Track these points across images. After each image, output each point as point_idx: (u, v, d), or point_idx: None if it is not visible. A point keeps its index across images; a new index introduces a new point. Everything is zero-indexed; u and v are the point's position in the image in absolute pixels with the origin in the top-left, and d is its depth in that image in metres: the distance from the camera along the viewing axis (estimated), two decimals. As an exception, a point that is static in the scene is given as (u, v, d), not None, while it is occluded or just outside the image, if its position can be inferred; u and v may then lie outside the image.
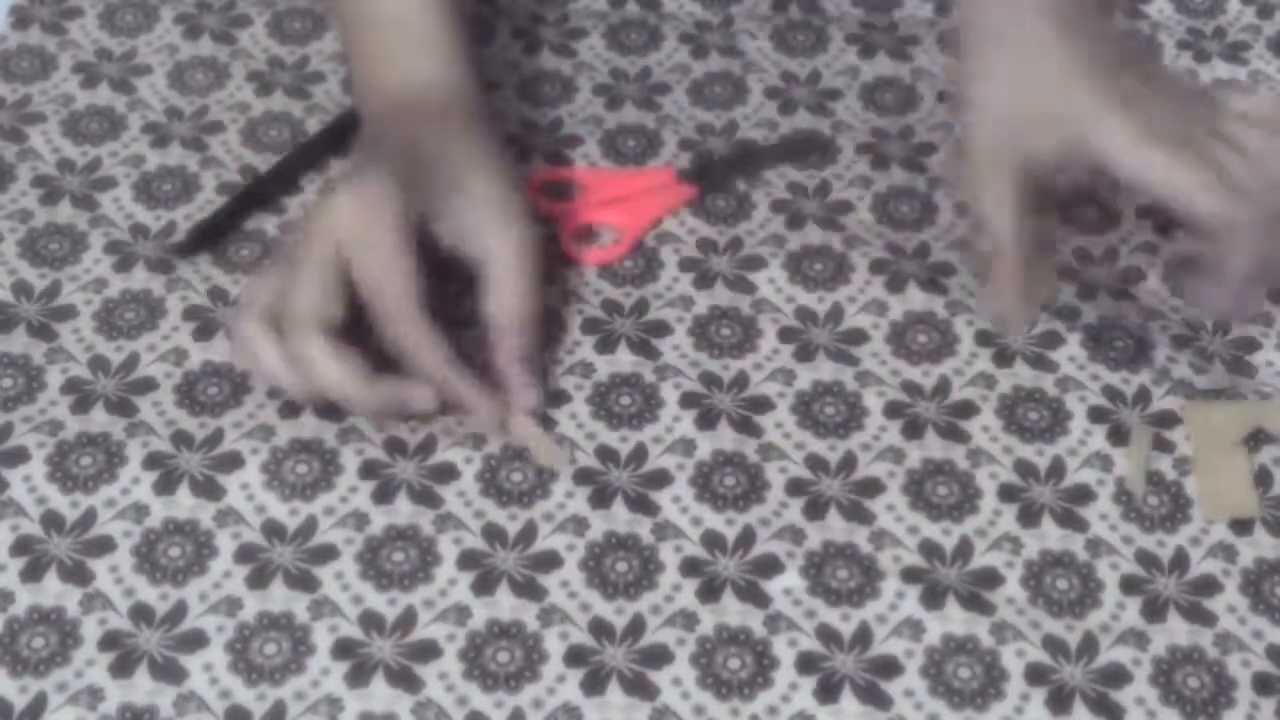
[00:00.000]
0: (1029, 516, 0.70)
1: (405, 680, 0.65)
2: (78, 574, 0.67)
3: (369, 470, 0.71)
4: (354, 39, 0.81)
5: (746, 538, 0.69)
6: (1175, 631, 0.67)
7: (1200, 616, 0.67)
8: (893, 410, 0.73)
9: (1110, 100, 0.70)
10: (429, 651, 0.65)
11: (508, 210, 0.73)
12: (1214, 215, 0.68)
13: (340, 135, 0.82)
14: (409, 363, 0.70)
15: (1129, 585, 0.68)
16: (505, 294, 0.72)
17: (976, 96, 0.74)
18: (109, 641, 0.66)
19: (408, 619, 0.66)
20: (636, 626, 0.66)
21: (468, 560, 0.68)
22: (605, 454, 0.71)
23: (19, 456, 0.71)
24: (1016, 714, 0.64)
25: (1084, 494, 0.71)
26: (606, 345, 0.75)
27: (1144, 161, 0.69)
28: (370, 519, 0.69)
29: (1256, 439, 0.72)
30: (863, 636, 0.66)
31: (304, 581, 0.67)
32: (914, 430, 0.73)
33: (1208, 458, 0.71)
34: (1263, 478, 0.71)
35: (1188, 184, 0.69)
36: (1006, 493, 0.71)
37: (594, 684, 0.65)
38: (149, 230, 0.80)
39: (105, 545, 0.68)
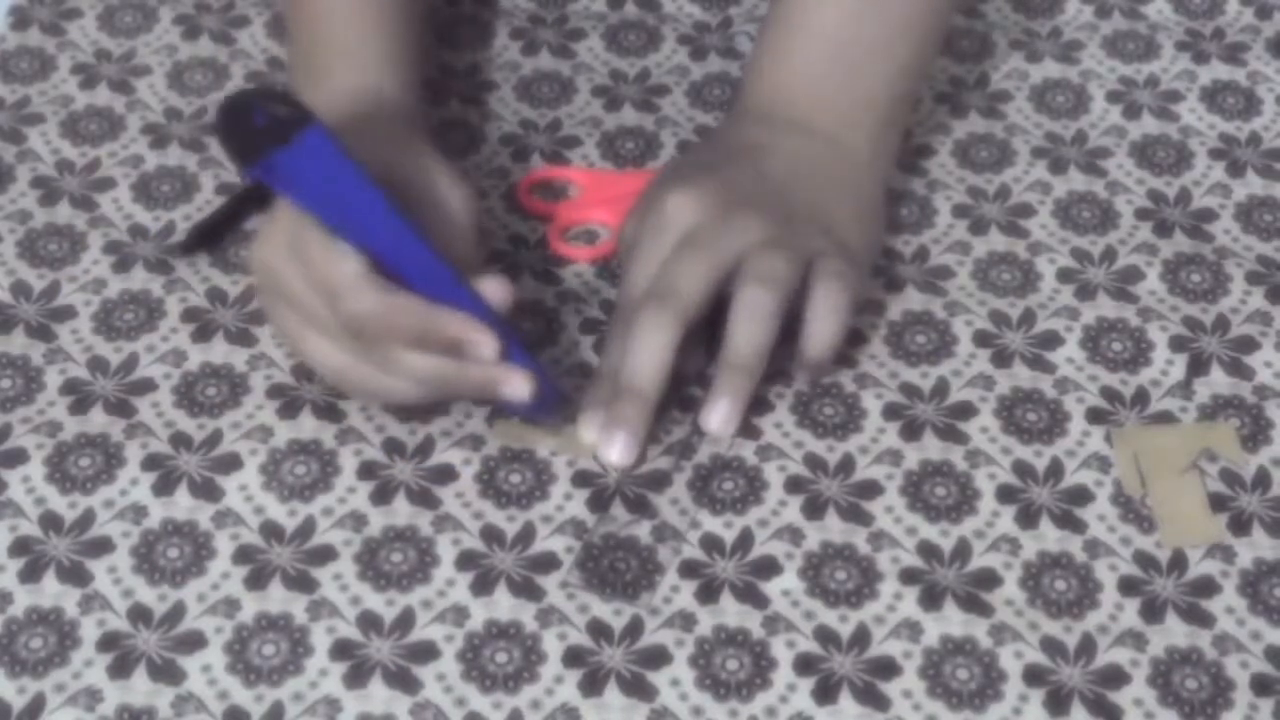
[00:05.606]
0: (1027, 517, 0.70)
1: (403, 681, 0.65)
2: (76, 575, 0.67)
3: (367, 471, 0.71)
4: (288, 47, 0.81)
5: (745, 540, 0.69)
6: (1173, 632, 0.66)
7: (1198, 618, 0.67)
8: (891, 412, 0.73)
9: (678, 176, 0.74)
10: (427, 652, 0.65)
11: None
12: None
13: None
14: (390, 334, 0.66)
15: (1127, 586, 0.68)
16: None
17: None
18: (107, 642, 0.66)
19: (406, 620, 0.66)
20: (635, 627, 0.66)
21: (466, 561, 0.68)
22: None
23: (18, 457, 0.71)
24: (1015, 715, 0.64)
25: (1082, 495, 0.71)
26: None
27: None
28: (369, 520, 0.69)
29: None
30: (861, 637, 0.66)
31: (302, 582, 0.67)
32: (912, 432, 0.73)
33: (1162, 484, 0.71)
34: (1217, 501, 0.71)
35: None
36: (1005, 494, 0.71)
37: (592, 685, 0.65)
38: (148, 231, 0.80)
39: (104, 546, 0.68)
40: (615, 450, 0.70)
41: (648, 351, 0.69)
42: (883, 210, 0.79)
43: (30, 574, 0.67)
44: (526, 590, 0.67)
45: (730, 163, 0.75)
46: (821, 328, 0.71)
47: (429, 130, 0.78)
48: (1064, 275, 0.79)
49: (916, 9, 0.79)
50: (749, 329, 0.70)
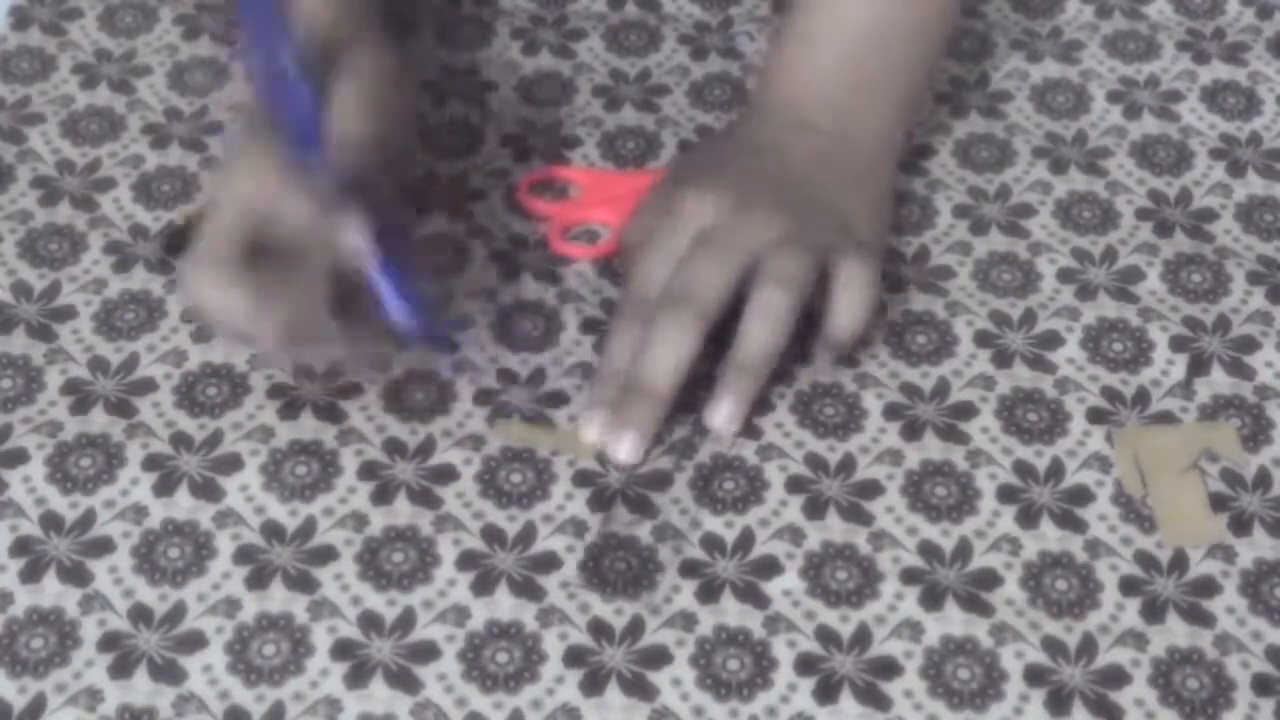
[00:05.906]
0: (1028, 518, 0.70)
1: (404, 681, 0.65)
2: (77, 575, 0.67)
3: (368, 471, 0.71)
4: None
5: (746, 539, 0.69)
6: (1174, 632, 0.67)
7: (1199, 617, 0.67)
8: (892, 412, 0.73)
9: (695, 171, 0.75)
10: (428, 652, 0.65)
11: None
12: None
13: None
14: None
15: (1128, 586, 0.68)
16: None
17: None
18: (108, 642, 0.66)
19: (407, 620, 0.66)
20: (636, 627, 0.66)
21: (467, 561, 0.68)
22: (604, 455, 0.71)
23: (18, 457, 0.71)
24: (1015, 715, 0.64)
25: (1083, 495, 0.71)
26: (606, 346, 0.75)
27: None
28: (369, 520, 0.69)
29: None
30: (862, 637, 0.66)
31: (303, 582, 0.67)
32: (913, 432, 0.73)
33: (1162, 484, 0.71)
34: (1218, 501, 0.71)
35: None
36: (1005, 494, 0.71)
37: (593, 684, 0.65)
38: (148, 231, 0.80)
39: (104, 546, 0.68)
40: (624, 448, 0.70)
41: (667, 353, 0.69)
42: (891, 207, 0.79)
43: (31, 574, 0.67)
44: (527, 590, 0.67)
45: (744, 160, 0.75)
46: (848, 307, 0.72)
47: (397, 68, 0.73)
48: (1064, 275, 0.79)
49: (928, 14, 0.79)
50: (762, 330, 0.70)
